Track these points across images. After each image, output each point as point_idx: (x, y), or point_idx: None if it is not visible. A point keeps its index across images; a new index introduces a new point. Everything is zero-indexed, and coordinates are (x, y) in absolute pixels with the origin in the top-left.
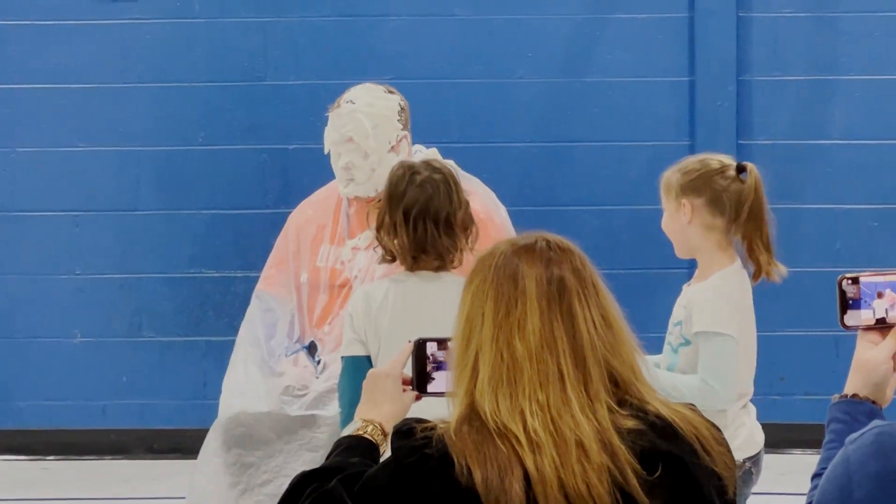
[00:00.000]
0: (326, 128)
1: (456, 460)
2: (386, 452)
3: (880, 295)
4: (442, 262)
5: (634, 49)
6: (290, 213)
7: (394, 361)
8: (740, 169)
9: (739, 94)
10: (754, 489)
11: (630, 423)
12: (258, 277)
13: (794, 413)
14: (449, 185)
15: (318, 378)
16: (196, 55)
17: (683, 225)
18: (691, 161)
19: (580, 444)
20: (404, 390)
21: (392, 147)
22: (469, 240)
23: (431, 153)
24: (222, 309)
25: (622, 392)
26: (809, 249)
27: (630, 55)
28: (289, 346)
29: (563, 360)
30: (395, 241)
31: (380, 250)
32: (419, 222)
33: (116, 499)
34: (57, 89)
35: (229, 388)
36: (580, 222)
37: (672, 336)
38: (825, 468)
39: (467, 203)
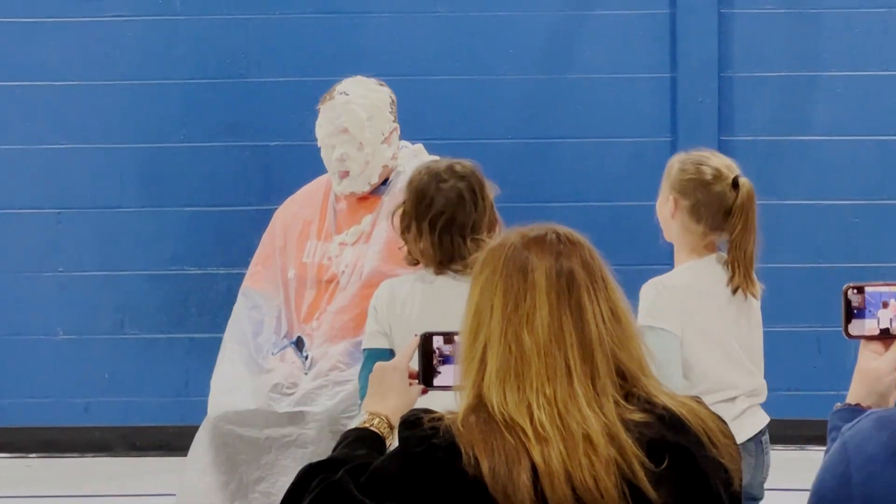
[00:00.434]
0: (318, 120)
1: (463, 450)
2: (392, 445)
3: (885, 305)
4: (468, 267)
5: (616, 46)
6: (272, 210)
7: (400, 355)
8: (735, 183)
9: (721, 91)
10: None
11: (637, 416)
12: (241, 274)
13: (776, 409)
14: (474, 191)
15: (306, 374)
16: (178, 52)
17: (667, 215)
18: (693, 160)
19: (587, 438)
20: (410, 384)
21: (385, 139)
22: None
23: (417, 149)
24: (205, 306)
25: (630, 385)
26: (791, 245)
27: (611, 52)
28: (276, 342)
29: (571, 354)
30: (420, 247)
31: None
32: (445, 233)
33: (100, 496)
34: (39, 87)
35: (217, 385)
36: (561, 218)
37: None
38: None
39: (492, 204)
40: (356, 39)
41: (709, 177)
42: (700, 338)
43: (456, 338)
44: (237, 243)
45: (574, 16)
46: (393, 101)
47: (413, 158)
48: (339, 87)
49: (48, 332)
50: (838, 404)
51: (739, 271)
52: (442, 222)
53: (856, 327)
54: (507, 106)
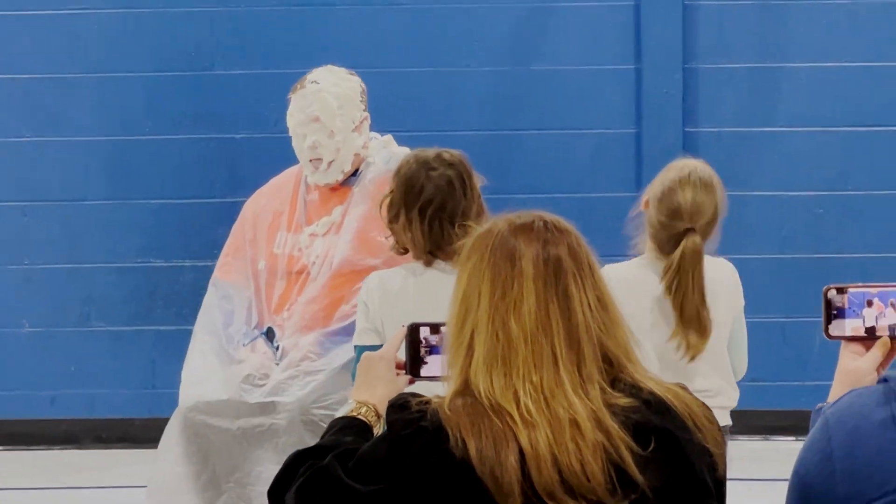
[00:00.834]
0: (289, 109)
1: (450, 432)
2: (379, 433)
3: (870, 304)
4: (457, 256)
5: (581, 37)
6: (238, 202)
7: (388, 345)
8: (685, 233)
9: (685, 82)
10: None
11: (623, 401)
12: (207, 267)
13: (741, 400)
14: (463, 179)
15: (277, 364)
16: (143, 45)
17: (643, 208)
18: (678, 166)
19: (574, 423)
20: (398, 374)
21: (355, 127)
22: None
23: (387, 140)
24: (170, 298)
25: (616, 371)
26: (756, 236)
27: (576, 44)
28: (247, 332)
29: (558, 341)
30: (409, 237)
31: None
32: (435, 221)
33: (66, 488)
34: (4, 80)
35: (188, 376)
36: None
37: None
38: None
39: (479, 192)
40: (321, 31)
41: (671, 210)
42: (647, 333)
43: (442, 328)
44: (203, 235)
45: (539, 8)
46: (363, 90)
47: (383, 149)
48: (310, 77)
49: (14, 324)
50: (820, 404)
51: (680, 330)
52: (432, 210)
53: (837, 328)
54: (473, 98)
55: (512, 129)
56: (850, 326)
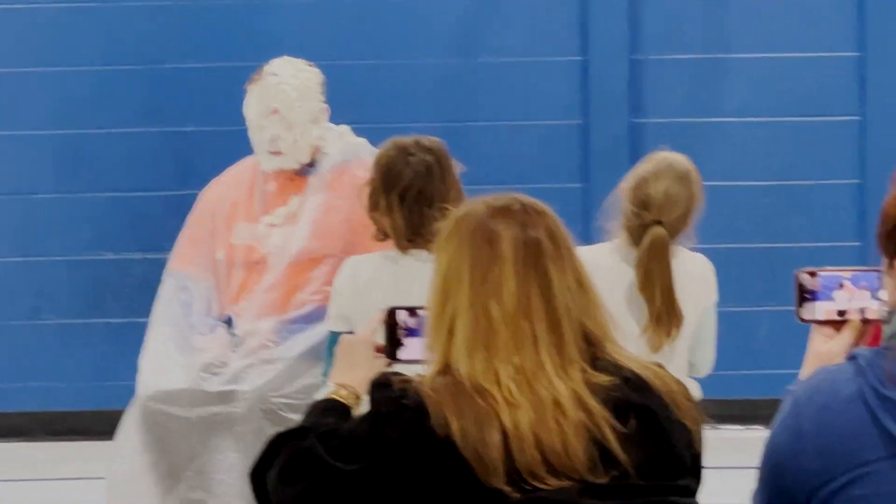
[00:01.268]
0: (247, 101)
1: (432, 410)
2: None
3: (841, 286)
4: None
5: (527, 30)
6: (188, 194)
7: (366, 328)
8: (649, 225)
9: (632, 74)
10: None
11: (604, 380)
12: (157, 259)
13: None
14: (441, 165)
15: (235, 352)
16: (91, 39)
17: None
18: (655, 158)
19: (556, 403)
20: (376, 357)
21: (314, 119)
22: None
23: (343, 131)
24: (121, 291)
25: (596, 350)
26: (703, 226)
27: (522, 36)
28: (206, 321)
29: (538, 323)
30: (389, 223)
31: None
32: (415, 206)
33: (18, 480)
34: None
35: (146, 366)
36: None
37: None
38: None
39: (458, 180)
40: (268, 25)
41: (640, 202)
42: None
43: (420, 312)
44: (153, 228)
45: (485, 0)
46: (322, 81)
47: (339, 140)
48: (269, 68)
49: None
50: (790, 386)
51: (650, 323)
52: (411, 196)
53: (808, 311)
54: (419, 90)
55: (459, 120)
56: (821, 309)
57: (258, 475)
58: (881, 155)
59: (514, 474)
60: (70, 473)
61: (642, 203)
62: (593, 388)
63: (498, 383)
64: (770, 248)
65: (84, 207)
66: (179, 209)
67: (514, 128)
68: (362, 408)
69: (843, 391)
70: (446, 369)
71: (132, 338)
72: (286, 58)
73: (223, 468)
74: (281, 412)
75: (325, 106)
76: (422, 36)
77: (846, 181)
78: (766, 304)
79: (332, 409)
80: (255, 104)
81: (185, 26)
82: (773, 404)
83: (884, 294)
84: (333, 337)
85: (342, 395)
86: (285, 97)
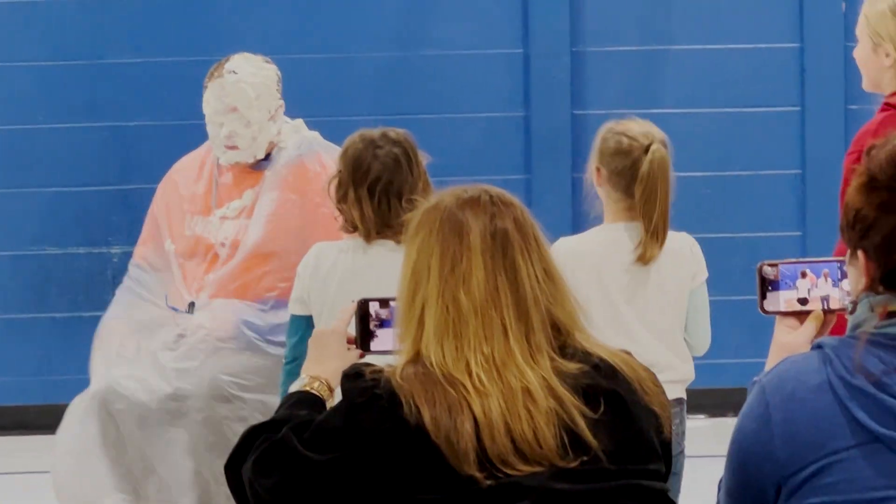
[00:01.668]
0: (205, 96)
1: (404, 400)
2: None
3: (804, 275)
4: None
5: (469, 22)
6: (133, 189)
7: (338, 320)
8: (646, 150)
9: (573, 66)
10: None
11: (573, 367)
12: (101, 254)
13: None
14: (409, 156)
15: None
16: (35, 34)
17: (596, 185)
18: (617, 129)
19: (526, 391)
20: (349, 348)
21: (271, 116)
22: None
23: (298, 124)
24: (66, 286)
25: (565, 338)
26: None
27: (464, 28)
28: (159, 315)
29: (507, 313)
30: (359, 214)
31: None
32: (384, 198)
33: None
34: None
35: (99, 359)
36: None
37: None
38: None
39: (425, 172)
40: (210, 20)
41: (625, 145)
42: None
43: (392, 303)
44: (97, 223)
45: None
46: (279, 77)
47: (294, 134)
48: (228, 66)
49: None
50: (755, 377)
51: (645, 238)
52: (380, 187)
53: (771, 302)
54: (363, 84)
55: (402, 113)
56: (783, 299)
57: (233, 468)
58: (821, 145)
59: (485, 461)
60: (13, 468)
61: (623, 149)
62: (562, 376)
63: (468, 372)
64: (711, 239)
65: (28, 202)
66: (124, 204)
67: (457, 120)
68: (335, 400)
69: (810, 380)
70: (417, 359)
71: (77, 332)
72: (246, 54)
73: (175, 457)
74: (231, 391)
75: (282, 102)
76: (365, 29)
77: (786, 171)
78: (708, 293)
79: (305, 402)
80: (213, 101)
81: (129, 21)
82: (713, 394)
83: (845, 284)
84: (293, 320)
85: (315, 388)
86: (244, 96)
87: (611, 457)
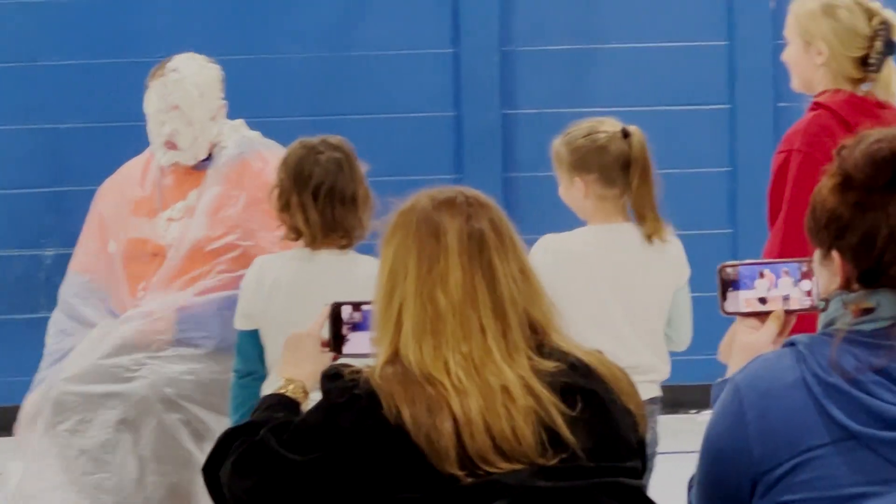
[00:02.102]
0: (147, 95)
1: (383, 399)
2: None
3: (762, 275)
4: (349, 239)
5: (398, 22)
6: (64, 191)
7: (314, 323)
8: (625, 134)
9: (503, 65)
10: None
11: (550, 366)
12: (33, 256)
13: None
14: (350, 162)
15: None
16: None
17: (580, 199)
18: (579, 133)
19: (505, 389)
20: (322, 352)
21: (213, 116)
22: (367, 215)
23: (238, 124)
24: None
25: (541, 338)
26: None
27: (394, 28)
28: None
29: (484, 312)
30: (303, 220)
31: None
32: (328, 202)
33: None
34: None
35: (48, 359)
36: None
37: None
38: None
39: (364, 176)
40: (142, 21)
41: (602, 140)
42: (573, 304)
43: (364, 307)
44: (28, 226)
45: None
46: (222, 77)
47: (234, 133)
48: (171, 65)
49: None
50: (720, 378)
51: (650, 217)
52: (324, 191)
53: (731, 302)
54: (292, 84)
55: (332, 114)
56: (743, 298)
57: (211, 471)
58: (751, 143)
59: (465, 460)
60: None
61: (600, 145)
62: (540, 374)
63: (447, 371)
64: None
65: None
66: (57, 206)
67: (388, 120)
68: (310, 403)
69: (785, 377)
70: (395, 358)
71: (11, 334)
72: (190, 54)
73: (122, 449)
74: (179, 401)
75: (224, 102)
76: (295, 30)
77: (717, 169)
78: None
79: (280, 405)
80: (155, 100)
81: (60, 23)
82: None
83: (805, 285)
84: (241, 335)
85: (290, 391)
86: (187, 95)
87: (589, 454)
